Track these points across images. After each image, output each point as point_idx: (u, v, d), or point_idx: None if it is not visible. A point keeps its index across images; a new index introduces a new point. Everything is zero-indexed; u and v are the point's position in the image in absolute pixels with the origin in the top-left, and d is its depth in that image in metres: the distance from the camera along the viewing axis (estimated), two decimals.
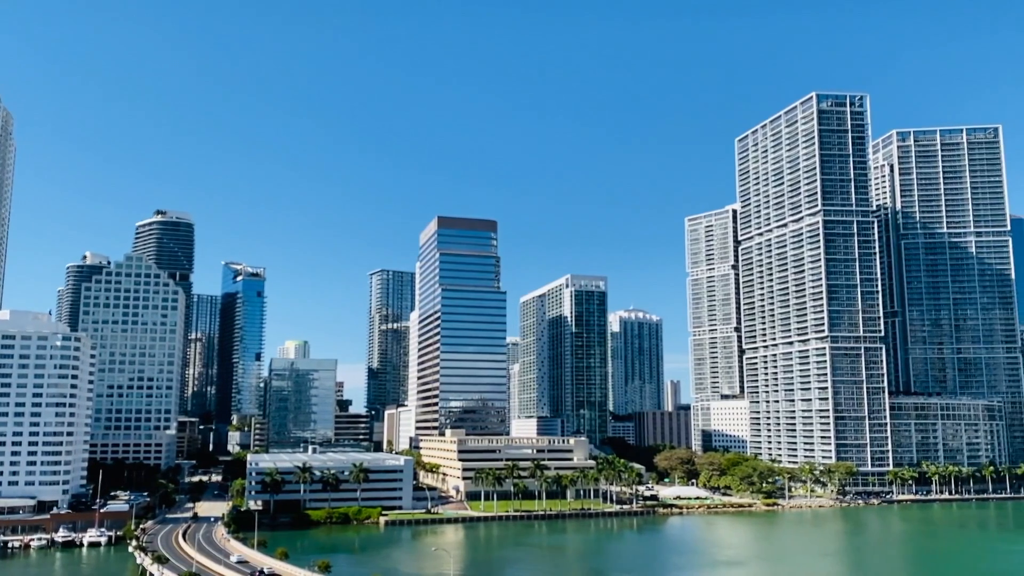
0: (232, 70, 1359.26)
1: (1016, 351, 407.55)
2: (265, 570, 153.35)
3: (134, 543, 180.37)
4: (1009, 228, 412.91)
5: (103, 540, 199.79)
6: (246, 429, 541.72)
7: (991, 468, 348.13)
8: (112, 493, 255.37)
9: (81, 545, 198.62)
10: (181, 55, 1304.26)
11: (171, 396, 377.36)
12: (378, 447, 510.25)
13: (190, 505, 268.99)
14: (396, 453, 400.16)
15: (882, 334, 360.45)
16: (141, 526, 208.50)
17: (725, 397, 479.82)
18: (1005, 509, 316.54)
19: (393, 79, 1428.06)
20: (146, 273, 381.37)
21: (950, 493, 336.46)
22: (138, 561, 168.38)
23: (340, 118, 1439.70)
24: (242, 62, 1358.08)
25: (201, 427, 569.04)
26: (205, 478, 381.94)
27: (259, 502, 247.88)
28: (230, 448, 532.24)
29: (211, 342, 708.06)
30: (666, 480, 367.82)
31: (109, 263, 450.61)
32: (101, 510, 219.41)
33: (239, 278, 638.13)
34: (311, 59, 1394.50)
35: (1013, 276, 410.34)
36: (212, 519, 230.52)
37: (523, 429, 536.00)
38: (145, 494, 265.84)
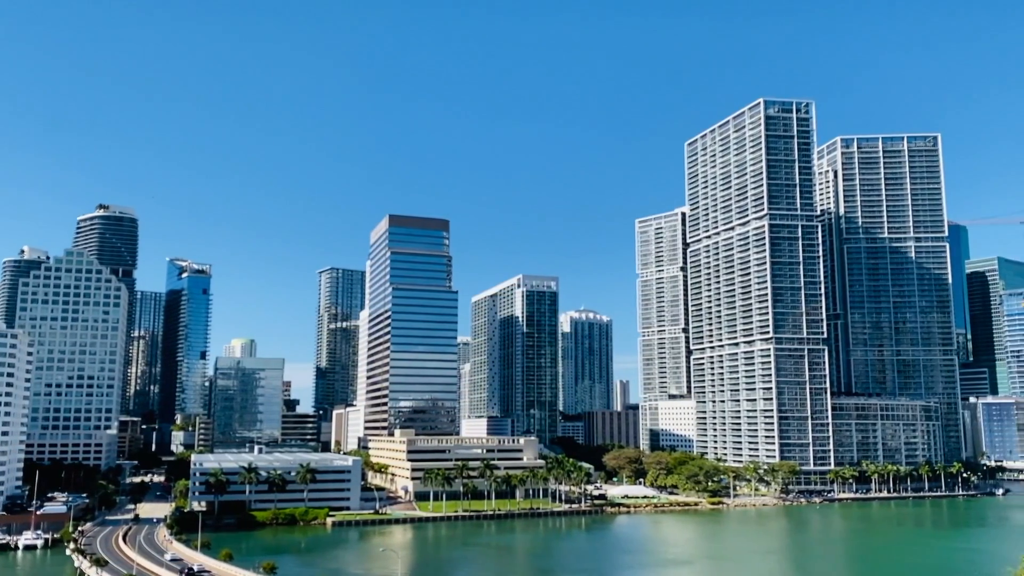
0: (178, 66, 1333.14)
1: (952, 353, 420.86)
2: (195, 567, 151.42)
3: (72, 546, 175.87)
4: (947, 234, 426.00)
5: (39, 543, 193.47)
6: (190, 429, 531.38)
7: (927, 467, 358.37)
8: (49, 494, 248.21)
9: (16, 548, 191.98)
10: (124, 50, 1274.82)
11: (112, 395, 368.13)
12: (326, 447, 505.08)
13: (131, 507, 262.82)
14: (344, 453, 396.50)
15: (825, 336, 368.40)
16: (79, 528, 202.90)
17: (673, 397, 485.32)
18: (940, 507, 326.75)
19: (343, 78, 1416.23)
20: (87, 269, 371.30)
21: (888, 491, 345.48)
22: (76, 564, 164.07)
23: (289, 115, 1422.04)
24: (189, 59, 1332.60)
25: (144, 427, 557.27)
26: (147, 479, 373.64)
27: (203, 503, 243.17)
28: (174, 448, 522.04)
29: (155, 340, 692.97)
30: (615, 479, 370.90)
31: (48, 258, 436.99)
32: (37, 512, 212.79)
33: (184, 275, 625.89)
34: (260, 58, 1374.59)
35: (950, 281, 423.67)
36: (154, 521, 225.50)
37: (473, 429, 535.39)
38: (84, 495, 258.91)
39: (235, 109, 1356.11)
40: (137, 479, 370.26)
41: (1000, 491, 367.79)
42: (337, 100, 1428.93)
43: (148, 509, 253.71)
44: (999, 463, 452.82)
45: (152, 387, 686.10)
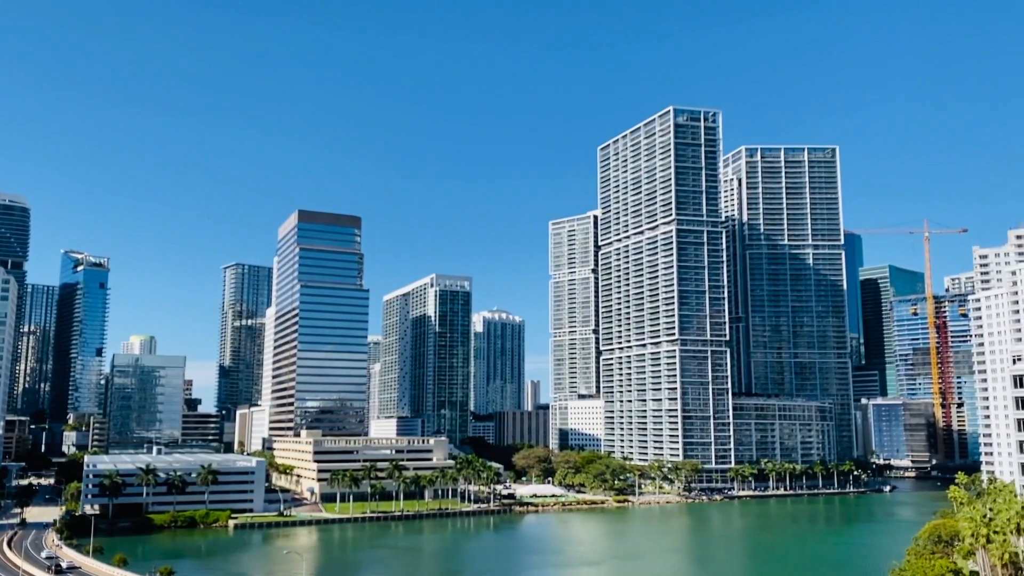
0: (73, 49, 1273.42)
1: (845, 356, 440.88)
2: (64, 564, 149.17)
3: None
4: (843, 242, 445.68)
5: None
6: (84, 429, 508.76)
7: (821, 465, 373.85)
8: None
9: None
10: (18, 34, 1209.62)
11: None
12: (229, 448, 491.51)
13: (17, 511, 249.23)
14: (248, 454, 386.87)
15: (727, 338, 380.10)
16: None
17: (582, 397, 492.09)
18: (832, 503, 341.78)
19: (249, 69, 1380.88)
20: None
21: (785, 489, 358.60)
22: None
23: (195, 105, 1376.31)
24: (85, 42, 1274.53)
25: (32, 426, 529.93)
26: (36, 481, 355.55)
27: (96, 506, 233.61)
28: (65, 449, 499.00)
29: (46, 335, 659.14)
30: (524, 479, 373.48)
31: None
32: None
33: (80, 268, 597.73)
34: (164, 46, 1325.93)
35: (845, 287, 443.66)
36: (43, 525, 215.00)
37: (383, 429, 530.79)
38: None
39: (136, 96, 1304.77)
40: (24, 481, 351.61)
41: (888, 488, 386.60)
42: (244, 91, 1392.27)
43: (36, 513, 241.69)
44: (887, 461, 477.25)
45: (43, 385, 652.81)
